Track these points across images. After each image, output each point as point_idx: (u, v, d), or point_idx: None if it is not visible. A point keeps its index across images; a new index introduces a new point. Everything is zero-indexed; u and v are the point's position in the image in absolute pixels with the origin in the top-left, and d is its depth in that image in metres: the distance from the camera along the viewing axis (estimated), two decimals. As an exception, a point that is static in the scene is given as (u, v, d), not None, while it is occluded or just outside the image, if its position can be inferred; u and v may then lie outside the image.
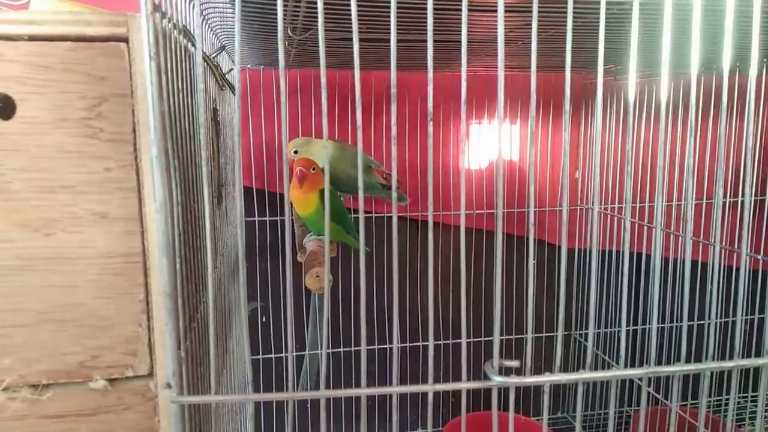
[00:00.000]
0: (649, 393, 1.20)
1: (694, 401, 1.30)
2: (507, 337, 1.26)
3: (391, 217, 1.17)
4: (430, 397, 0.39)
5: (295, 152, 0.97)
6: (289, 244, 0.37)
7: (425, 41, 0.37)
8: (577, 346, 1.33)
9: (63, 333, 0.37)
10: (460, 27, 0.36)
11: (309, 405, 1.20)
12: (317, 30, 0.50)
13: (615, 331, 1.29)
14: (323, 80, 0.34)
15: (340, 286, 1.19)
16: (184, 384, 0.37)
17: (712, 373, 0.44)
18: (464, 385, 0.38)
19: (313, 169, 0.87)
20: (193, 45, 0.46)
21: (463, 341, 0.38)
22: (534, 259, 1.30)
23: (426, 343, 1.23)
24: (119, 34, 0.35)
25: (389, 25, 0.35)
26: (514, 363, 0.38)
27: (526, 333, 0.36)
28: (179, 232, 0.38)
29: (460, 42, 0.37)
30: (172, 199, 0.35)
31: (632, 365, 0.44)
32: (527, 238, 1.24)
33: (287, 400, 0.37)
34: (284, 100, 0.34)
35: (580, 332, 1.33)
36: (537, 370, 0.38)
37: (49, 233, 0.36)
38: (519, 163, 1.25)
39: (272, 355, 1.18)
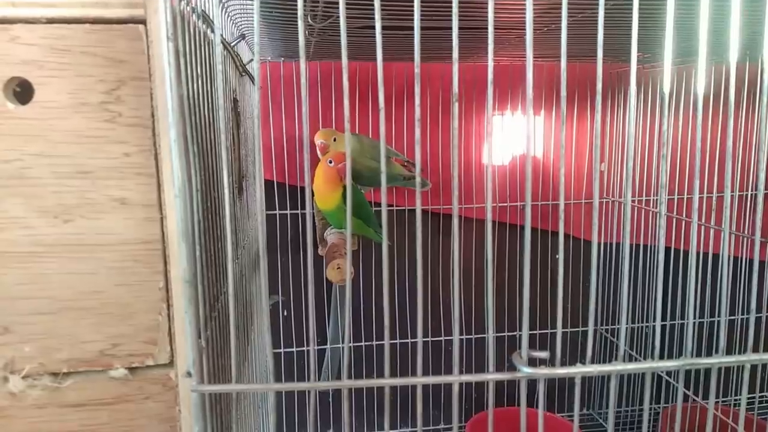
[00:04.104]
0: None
1: (725, 399, 1.27)
2: (535, 332, 1.23)
3: (412, 209, 1.16)
4: (455, 388, 0.37)
5: (334, 140, 0.99)
6: (310, 237, 0.36)
7: (448, 29, 0.35)
8: (605, 343, 1.31)
9: (83, 321, 0.37)
10: (485, 12, 0.35)
11: (331, 400, 1.18)
12: (338, 17, 0.49)
13: (646, 329, 1.26)
14: (344, 60, 0.33)
15: (361, 280, 1.18)
16: (204, 373, 0.36)
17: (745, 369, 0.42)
18: (491, 376, 0.37)
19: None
20: (213, 30, 0.45)
21: (489, 329, 0.37)
22: (557, 255, 1.29)
23: (450, 337, 1.22)
24: (137, 16, 0.34)
25: (412, 11, 0.33)
26: (544, 354, 0.36)
27: (556, 324, 0.35)
28: (199, 219, 0.37)
29: (484, 29, 0.35)
30: (191, 186, 0.34)
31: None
32: (555, 231, 1.22)
33: (309, 390, 0.36)
34: (304, 81, 0.33)
35: (606, 327, 1.30)
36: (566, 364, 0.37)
37: (68, 219, 0.35)
38: (543, 157, 1.22)
39: (293, 349, 1.17)
